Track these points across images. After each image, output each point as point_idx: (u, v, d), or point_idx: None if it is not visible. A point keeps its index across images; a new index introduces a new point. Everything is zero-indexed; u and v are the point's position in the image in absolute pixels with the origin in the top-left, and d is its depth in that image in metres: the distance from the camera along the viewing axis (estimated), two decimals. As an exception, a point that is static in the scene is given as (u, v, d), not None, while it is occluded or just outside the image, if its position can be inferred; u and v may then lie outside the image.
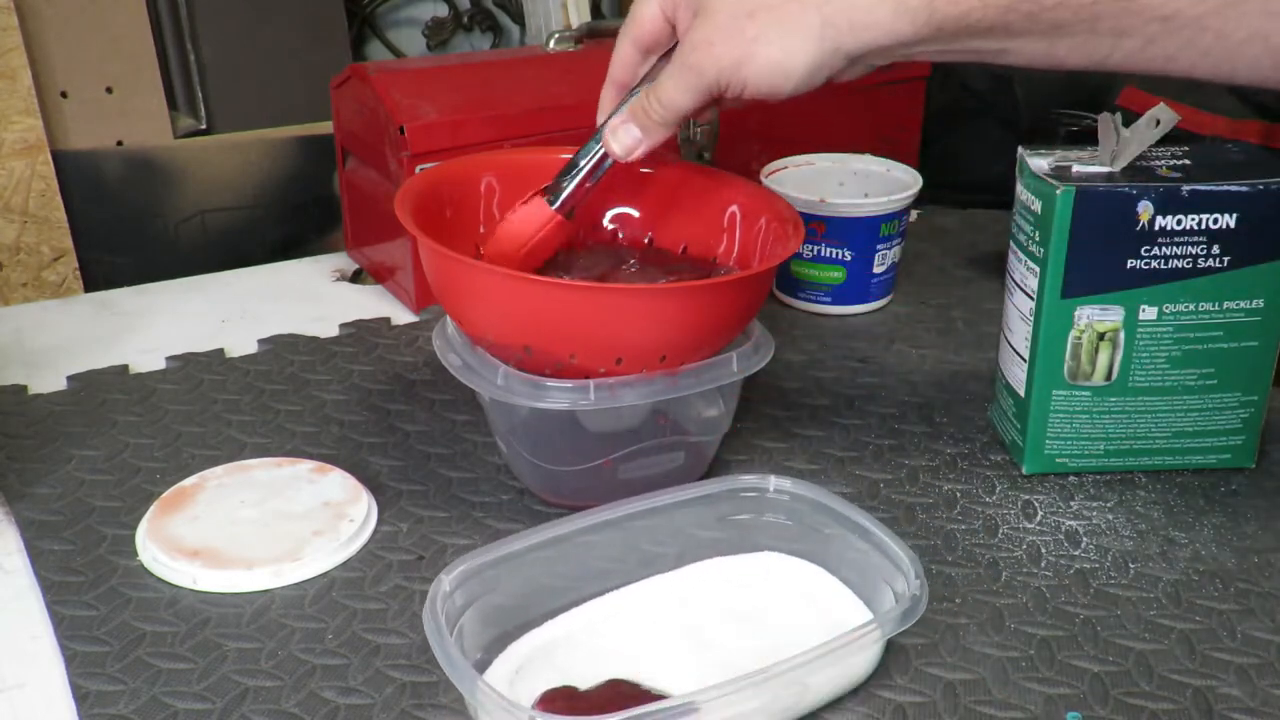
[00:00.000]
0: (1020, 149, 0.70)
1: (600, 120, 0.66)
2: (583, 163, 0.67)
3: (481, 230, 0.74)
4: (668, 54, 0.63)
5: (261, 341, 0.87)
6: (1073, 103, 1.09)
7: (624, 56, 0.66)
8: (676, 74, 0.60)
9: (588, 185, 0.67)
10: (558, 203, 0.67)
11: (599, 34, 1.01)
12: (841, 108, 1.08)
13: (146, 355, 0.86)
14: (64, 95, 1.12)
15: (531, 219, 0.68)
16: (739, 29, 0.57)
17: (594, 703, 0.51)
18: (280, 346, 0.87)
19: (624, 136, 0.64)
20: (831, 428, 0.77)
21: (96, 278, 1.14)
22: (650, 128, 0.63)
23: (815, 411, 0.79)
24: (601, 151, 0.66)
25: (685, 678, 0.54)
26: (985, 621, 0.60)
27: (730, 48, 0.58)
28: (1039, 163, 0.68)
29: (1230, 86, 0.98)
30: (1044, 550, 0.65)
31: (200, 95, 1.21)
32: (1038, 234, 0.67)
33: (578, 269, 0.74)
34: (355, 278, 1.01)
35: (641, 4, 0.64)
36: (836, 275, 0.92)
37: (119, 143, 1.16)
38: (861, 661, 0.55)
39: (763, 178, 0.94)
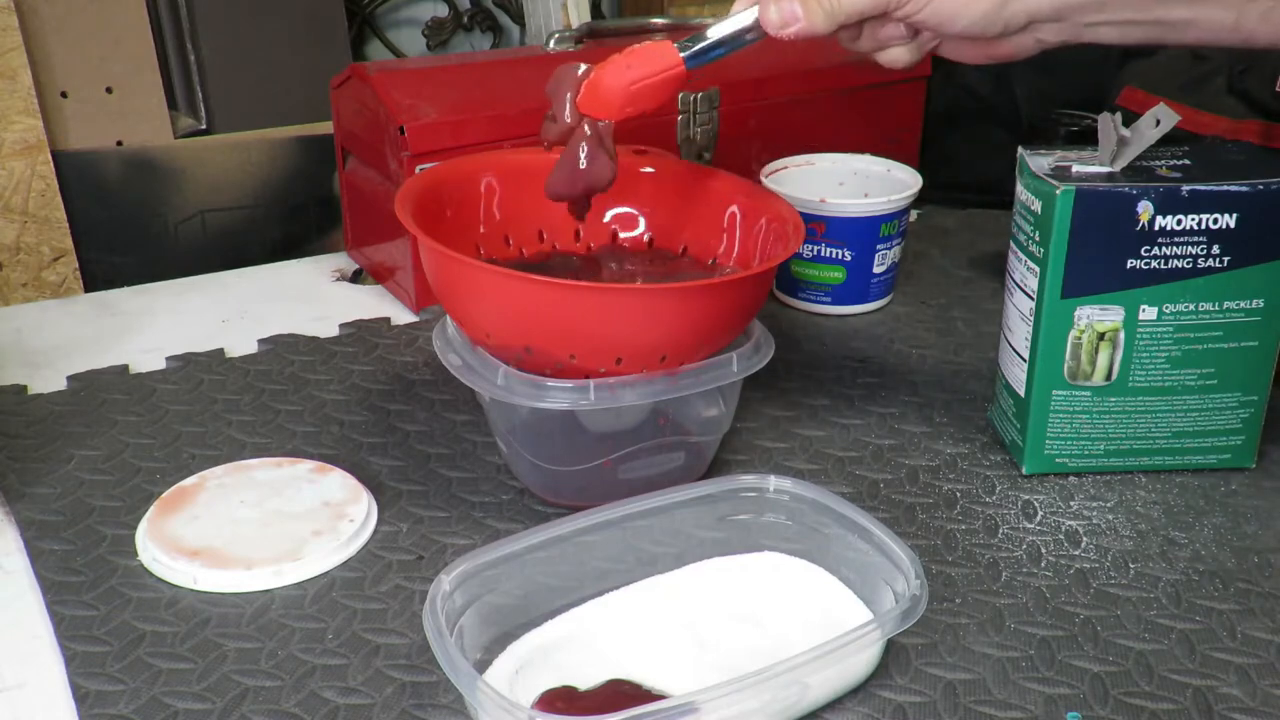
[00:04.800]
0: (1020, 149, 0.70)
1: (740, 5, 0.63)
2: (726, 24, 0.62)
3: (481, 230, 0.74)
4: None
5: (261, 341, 0.87)
6: (1073, 103, 1.09)
7: None
8: None
9: (720, 51, 0.63)
10: (688, 52, 0.63)
11: (599, 34, 1.01)
12: (841, 108, 1.08)
13: (146, 355, 0.86)
14: (64, 95, 1.12)
15: (655, 56, 0.63)
16: None
17: (594, 703, 0.51)
18: (280, 346, 0.87)
19: (786, 7, 0.60)
20: (831, 428, 0.77)
21: (96, 278, 1.14)
22: (814, 11, 0.59)
23: (815, 411, 0.79)
24: (751, 18, 0.62)
25: (685, 678, 0.54)
26: (985, 621, 0.60)
27: None
28: (1039, 163, 0.68)
29: (1230, 86, 0.98)
30: (1044, 550, 0.65)
31: (200, 95, 1.21)
32: (1038, 234, 0.67)
33: (577, 270, 0.74)
34: (355, 278, 1.01)
35: None
36: (836, 275, 0.92)
37: (119, 143, 1.16)
38: (861, 661, 0.55)
39: (763, 178, 0.94)
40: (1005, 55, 0.62)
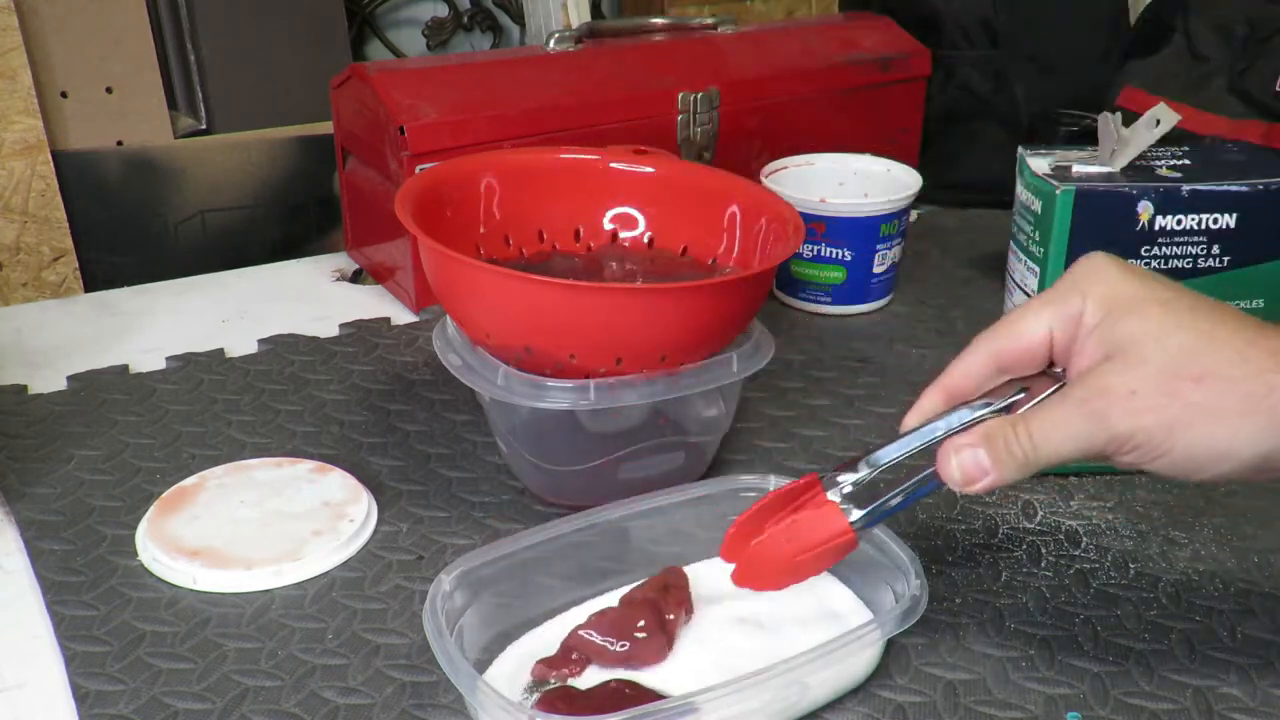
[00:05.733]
0: (1020, 149, 0.70)
1: (910, 424, 0.54)
2: (896, 488, 0.53)
3: (481, 230, 0.74)
4: (1026, 379, 0.52)
5: (261, 341, 0.87)
6: (1073, 103, 1.09)
7: (975, 365, 0.53)
8: (1068, 416, 0.48)
9: (896, 506, 0.53)
10: (859, 518, 0.53)
11: (599, 34, 1.01)
12: (841, 108, 1.08)
13: (146, 355, 0.86)
14: (64, 95, 1.12)
15: (824, 527, 0.53)
16: (1179, 388, 0.46)
17: (594, 703, 0.51)
18: (280, 346, 0.87)
19: (969, 462, 0.50)
20: (831, 428, 0.77)
21: (96, 278, 1.14)
22: (1007, 465, 0.50)
23: (815, 411, 0.79)
24: (930, 474, 0.52)
25: (685, 678, 0.54)
26: (985, 621, 0.60)
27: (1161, 408, 0.46)
28: (1039, 163, 0.68)
29: (1230, 86, 0.98)
30: (1044, 550, 0.65)
31: (200, 95, 1.21)
32: (1038, 234, 0.67)
33: (577, 270, 0.74)
34: (355, 278, 1.01)
35: (1026, 315, 0.51)
36: (836, 275, 0.92)
37: (119, 143, 1.16)
38: (861, 661, 0.55)
39: (763, 178, 0.94)
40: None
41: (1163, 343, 0.47)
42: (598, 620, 0.55)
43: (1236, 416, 0.46)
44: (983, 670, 0.56)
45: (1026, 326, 0.51)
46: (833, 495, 0.53)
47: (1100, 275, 0.50)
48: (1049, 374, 0.52)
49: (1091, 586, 0.62)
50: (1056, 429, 0.49)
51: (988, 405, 0.52)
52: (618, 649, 0.54)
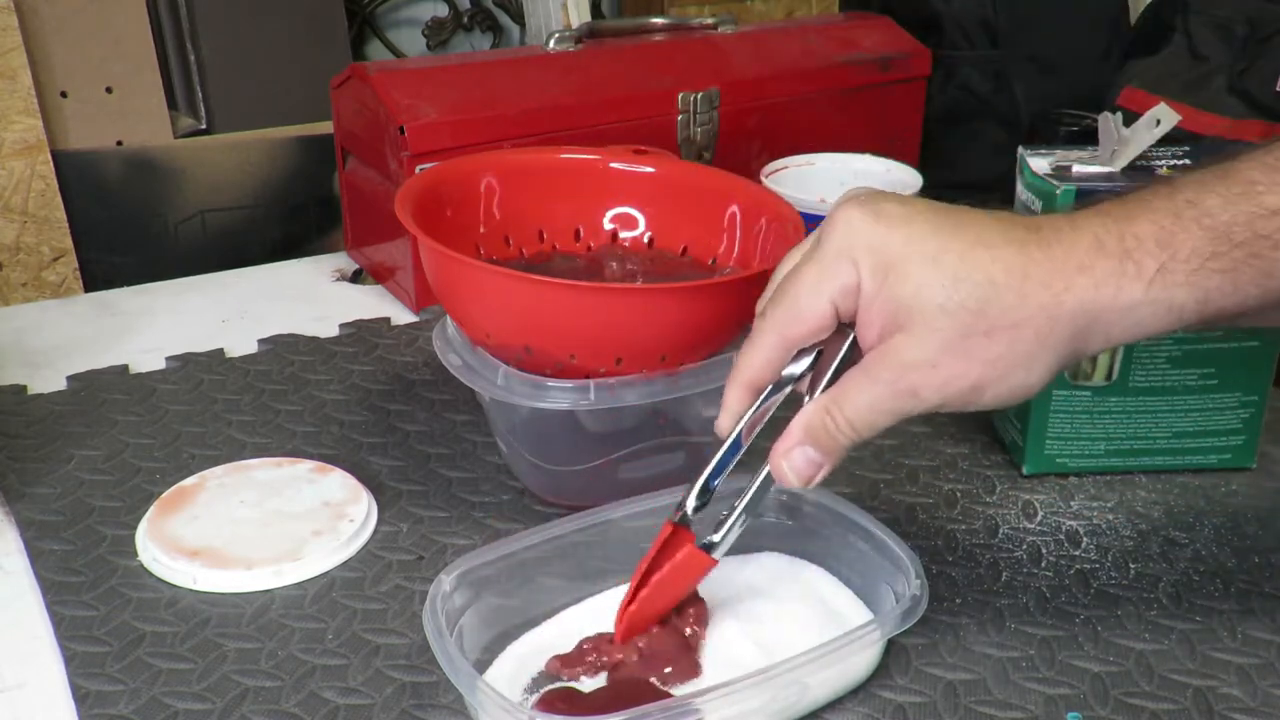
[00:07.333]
0: (1020, 149, 0.70)
1: (728, 426, 0.55)
2: (740, 502, 0.54)
3: (481, 230, 0.74)
4: (816, 349, 0.53)
5: (261, 341, 0.87)
6: (1073, 103, 1.09)
7: (768, 353, 0.53)
8: (880, 397, 0.49)
9: (744, 516, 0.54)
10: (717, 551, 0.54)
11: (599, 34, 1.01)
12: (841, 108, 1.08)
13: (146, 355, 0.86)
14: (64, 95, 1.12)
15: (691, 573, 0.55)
16: (974, 348, 0.48)
17: (594, 703, 0.51)
18: (280, 346, 0.87)
19: (800, 463, 0.52)
20: (831, 428, 0.77)
21: (96, 278, 1.14)
22: (834, 452, 0.51)
23: (815, 411, 0.79)
24: (766, 481, 0.54)
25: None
26: (985, 621, 0.60)
27: (964, 370, 0.48)
28: (1039, 163, 0.68)
29: (1230, 86, 0.98)
30: (1044, 550, 0.65)
31: (200, 95, 1.21)
32: (1038, 234, 0.67)
33: (578, 270, 0.74)
34: (355, 278, 1.01)
35: (804, 294, 0.51)
36: (836, 275, 0.91)
37: (119, 143, 1.16)
38: (861, 661, 0.55)
39: (763, 178, 0.93)
40: None
41: (945, 307, 0.48)
42: (630, 644, 0.54)
43: (1027, 361, 0.48)
44: (983, 670, 0.56)
45: (809, 308, 0.51)
46: (689, 526, 0.55)
47: (864, 237, 0.50)
48: (838, 331, 0.52)
49: (1091, 586, 0.62)
50: (871, 412, 0.50)
51: (790, 378, 0.53)
52: (652, 680, 0.54)
